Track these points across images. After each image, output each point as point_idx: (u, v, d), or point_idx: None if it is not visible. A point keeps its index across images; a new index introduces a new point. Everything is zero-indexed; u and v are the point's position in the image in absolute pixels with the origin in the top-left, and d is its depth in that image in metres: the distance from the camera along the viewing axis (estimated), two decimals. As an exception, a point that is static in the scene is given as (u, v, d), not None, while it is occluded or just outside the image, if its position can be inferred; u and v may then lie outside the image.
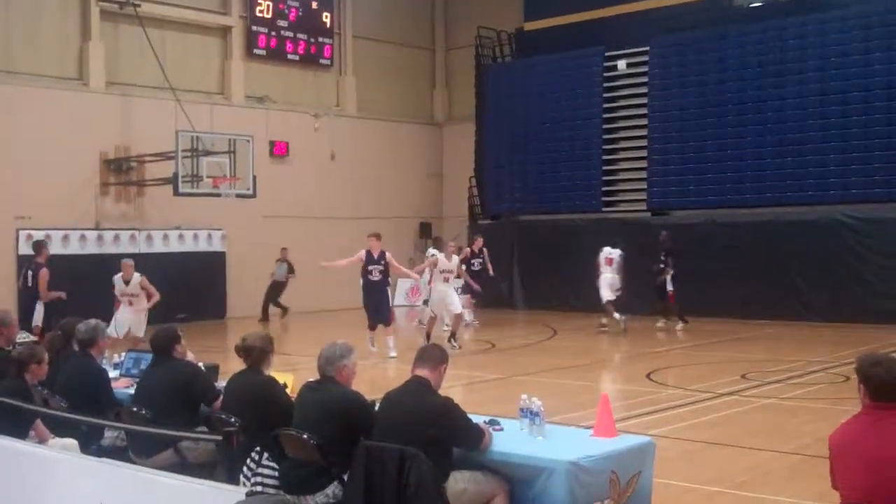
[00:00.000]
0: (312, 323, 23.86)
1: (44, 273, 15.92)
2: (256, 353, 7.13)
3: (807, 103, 23.09)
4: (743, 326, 21.19)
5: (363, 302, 17.98)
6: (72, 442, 7.29)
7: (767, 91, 23.70)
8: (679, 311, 21.21)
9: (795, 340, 19.20)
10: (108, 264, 21.92)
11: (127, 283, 15.93)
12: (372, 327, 17.58)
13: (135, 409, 7.50)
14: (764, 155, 23.57)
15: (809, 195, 22.77)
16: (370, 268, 17.54)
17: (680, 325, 21.06)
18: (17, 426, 7.21)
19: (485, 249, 22.66)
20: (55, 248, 22.24)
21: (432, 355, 6.29)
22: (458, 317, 18.48)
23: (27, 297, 16.27)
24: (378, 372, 15.57)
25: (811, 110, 23.01)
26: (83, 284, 21.14)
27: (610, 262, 20.85)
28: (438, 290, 18.31)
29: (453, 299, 18.24)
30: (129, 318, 15.91)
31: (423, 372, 6.20)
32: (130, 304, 15.98)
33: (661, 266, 21.13)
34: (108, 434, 7.83)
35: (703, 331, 20.64)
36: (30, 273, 16.24)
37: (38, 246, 16.76)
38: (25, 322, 15.35)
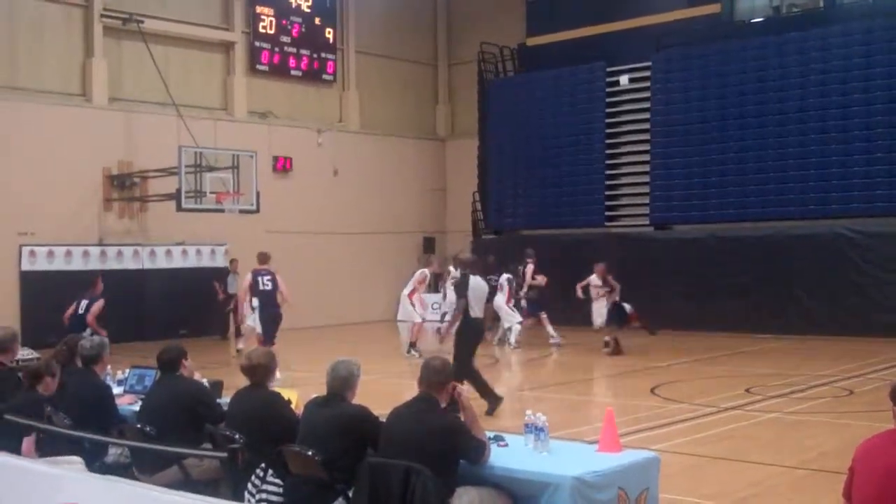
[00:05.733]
0: (309, 338, 23.80)
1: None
2: (261, 371, 7.14)
3: (808, 118, 23.12)
4: (746, 341, 21.17)
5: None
6: (76, 459, 7.28)
7: (769, 106, 23.72)
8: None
9: (798, 354, 19.18)
10: (111, 280, 21.99)
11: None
12: None
13: (139, 425, 7.51)
14: (766, 169, 23.59)
15: (811, 209, 22.79)
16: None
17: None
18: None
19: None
20: (58, 265, 22.33)
21: (438, 372, 6.29)
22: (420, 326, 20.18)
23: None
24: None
25: (812, 125, 23.04)
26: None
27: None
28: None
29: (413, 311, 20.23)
30: (599, 309, 19.63)
31: (429, 388, 6.21)
32: (600, 295, 19.60)
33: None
34: (112, 451, 7.82)
35: (706, 345, 20.62)
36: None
37: (263, 258, 17.48)
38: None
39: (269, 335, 16.77)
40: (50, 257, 22.36)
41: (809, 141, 23.02)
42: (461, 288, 13.09)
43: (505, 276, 21.30)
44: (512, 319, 21.02)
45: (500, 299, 20.89)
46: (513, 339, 20.94)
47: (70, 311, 15.86)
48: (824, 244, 22.07)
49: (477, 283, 13.04)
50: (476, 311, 12.89)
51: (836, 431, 11.18)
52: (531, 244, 24.32)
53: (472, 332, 12.87)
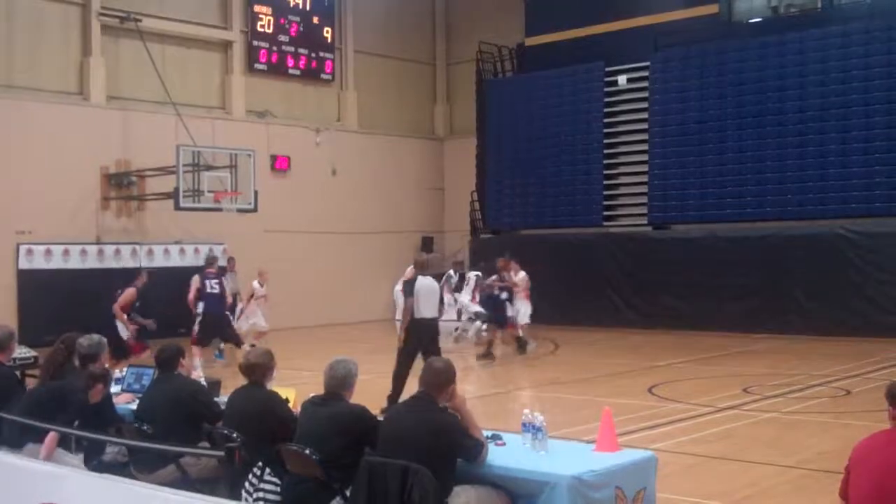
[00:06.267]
0: (307, 338, 23.80)
1: None
2: (259, 371, 7.15)
3: (807, 118, 23.12)
4: (744, 340, 21.18)
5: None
6: (76, 458, 7.28)
7: (767, 106, 23.72)
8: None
9: (796, 354, 19.17)
10: (108, 278, 21.98)
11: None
12: None
13: (137, 424, 7.51)
14: (764, 169, 23.59)
15: (810, 209, 22.77)
16: None
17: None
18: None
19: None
20: (55, 263, 22.30)
21: (439, 373, 6.28)
22: None
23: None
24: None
25: (811, 125, 23.03)
26: (84, 298, 21.22)
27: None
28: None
29: None
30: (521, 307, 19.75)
31: (429, 388, 6.20)
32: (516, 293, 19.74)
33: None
34: (109, 449, 7.81)
35: (703, 345, 20.62)
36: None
37: (211, 261, 18.06)
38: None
39: (204, 337, 17.11)
40: (47, 256, 22.34)
41: (808, 141, 23.02)
42: (408, 288, 13.53)
43: (473, 273, 21.68)
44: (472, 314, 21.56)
45: (465, 296, 21.27)
46: (471, 334, 21.51)
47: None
48: (823, 244, 22.05)
49: (424, 283, 13.33)
50: (423, 312, 13.18)
51: (833, 431, 11.18)
52: (529, 244, 24.41)
53: (418, 332, 13.15)
